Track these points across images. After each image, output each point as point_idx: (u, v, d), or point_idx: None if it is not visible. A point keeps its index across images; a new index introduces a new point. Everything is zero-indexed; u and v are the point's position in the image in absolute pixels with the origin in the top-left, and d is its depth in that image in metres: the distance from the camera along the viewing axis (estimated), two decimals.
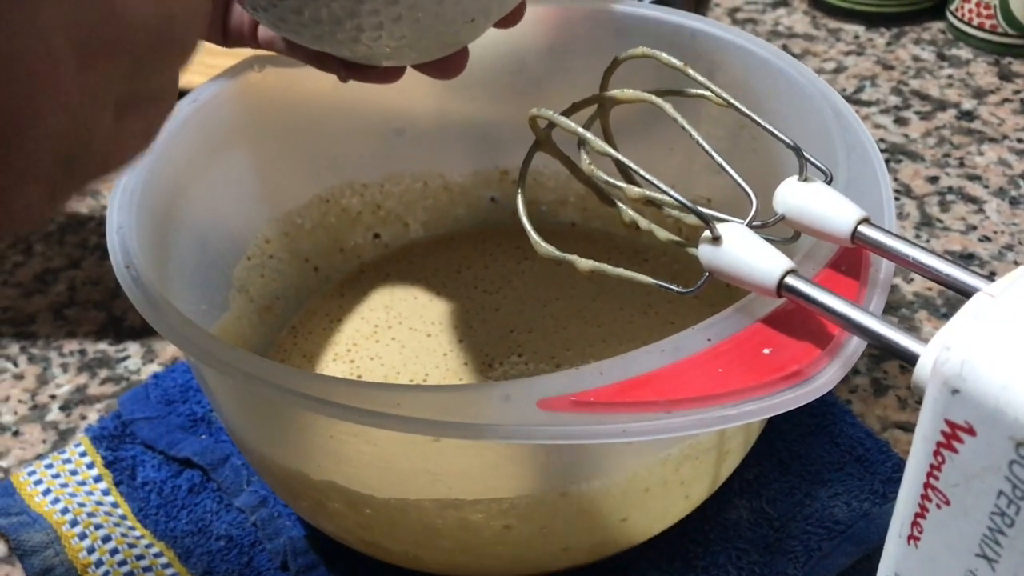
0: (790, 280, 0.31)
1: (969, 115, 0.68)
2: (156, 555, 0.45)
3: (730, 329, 0.32)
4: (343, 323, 0.51)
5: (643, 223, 0.37)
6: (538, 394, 0.30)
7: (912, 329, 0.54)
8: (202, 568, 0.44)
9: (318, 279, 0.53)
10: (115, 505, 0.47)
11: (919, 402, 0.27)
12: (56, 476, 0.48)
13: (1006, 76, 0.71)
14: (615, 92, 0.37)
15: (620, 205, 0.38)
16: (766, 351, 0.31)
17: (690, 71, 0.35)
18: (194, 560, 0.45)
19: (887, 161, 0.65)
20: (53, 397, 0.54)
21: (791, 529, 0.43)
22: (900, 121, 0.68)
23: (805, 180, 0.34)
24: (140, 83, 0.23)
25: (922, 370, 0.27)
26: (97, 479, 0.48)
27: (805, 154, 0.34)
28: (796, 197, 0.33)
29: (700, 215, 0.32)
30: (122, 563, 0.44)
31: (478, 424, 0.29)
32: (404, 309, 0.52)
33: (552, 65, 0.52)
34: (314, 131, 0.51)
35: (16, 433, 0.52)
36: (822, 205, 0.33)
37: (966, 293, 0.30)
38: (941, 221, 0.60)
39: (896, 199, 0.62)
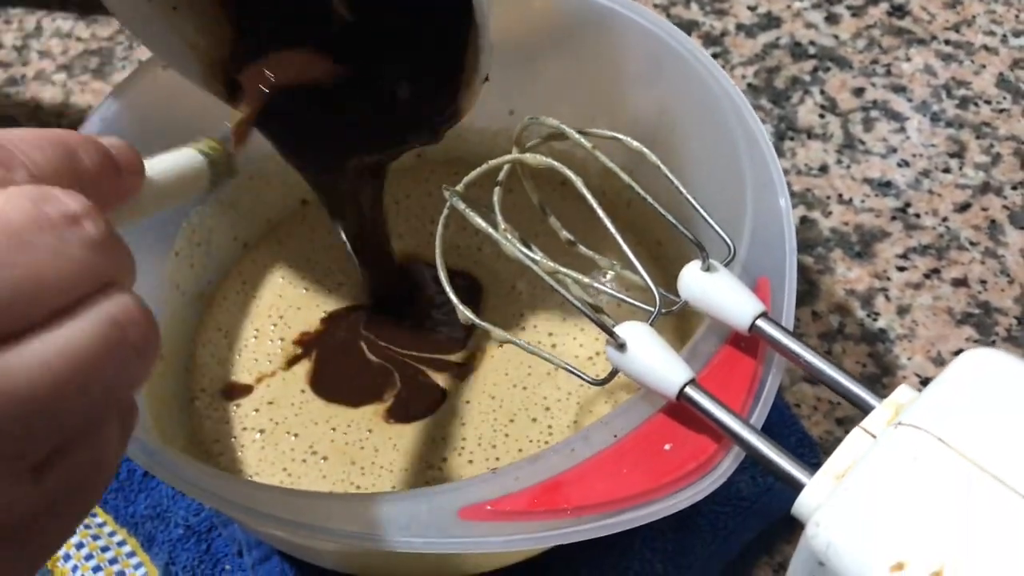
0: (689, 391, 0.33)
1: (900, 10, 0.67)
2: (120, 543, 0.48)
3: (634, 421, 0.34)
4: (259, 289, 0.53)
5: (559, 279, 0.38)
6: (460, 502, 0.33)
7: (827, 271, 0.56)
8: (164, 556, 0.48)
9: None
10: None
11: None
12: None
13: None
14: (527, 156, 0.37)
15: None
16: (667, 447, 0.34)
17: (598, 154, 0.36)
18: (156, 548, 0.48)
19: (815, 70, 0.65)
20: None
21: (700, 507, 0.47)
22: (831, 18, 0.67)
23: (707, 269, 0.35)
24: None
25: (802, 506, 0.30)
26: None
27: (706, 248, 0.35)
28: (698, 285, 0.35)
29: (601, 325, 0.33)
30: (88, 557, 0.48)
31: (403, 540, 0.32)
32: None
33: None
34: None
35: None
36: (722, 296, 0.34)
37: (855, 404, 0.32)
38: (863, 143, 0.61)
39: (821, 116, 0.63)
